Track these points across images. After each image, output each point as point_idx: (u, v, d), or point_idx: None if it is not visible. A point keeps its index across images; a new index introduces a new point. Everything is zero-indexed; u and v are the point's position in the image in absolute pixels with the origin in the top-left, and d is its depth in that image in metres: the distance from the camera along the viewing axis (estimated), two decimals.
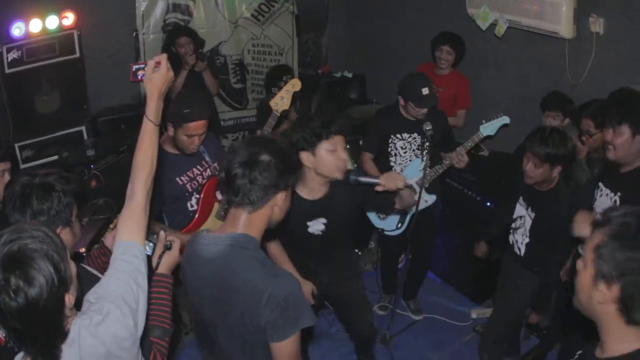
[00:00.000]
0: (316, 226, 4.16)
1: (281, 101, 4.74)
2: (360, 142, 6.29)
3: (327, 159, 3.85)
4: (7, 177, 3.73)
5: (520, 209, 4.65)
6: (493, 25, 6.19)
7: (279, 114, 4.77)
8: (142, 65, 2.84)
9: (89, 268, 3.21)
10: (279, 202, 2.77)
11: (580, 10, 5.45)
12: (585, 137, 4.72)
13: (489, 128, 5.19)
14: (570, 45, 5.66)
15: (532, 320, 4.87)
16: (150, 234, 3.11)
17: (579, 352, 2.37)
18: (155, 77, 2.78)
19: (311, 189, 4.06)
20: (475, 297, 6.29)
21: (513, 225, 4.73)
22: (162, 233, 3.06)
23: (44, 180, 2.90)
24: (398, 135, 5.39)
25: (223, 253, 2.70)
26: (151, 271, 2.89)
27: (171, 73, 2.84)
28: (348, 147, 4.03)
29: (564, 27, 5.50)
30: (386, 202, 4.18)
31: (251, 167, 2.65)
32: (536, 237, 4.53)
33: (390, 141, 5.41)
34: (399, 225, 5.64)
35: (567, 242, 4.20)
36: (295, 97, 4.97)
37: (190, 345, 5.29)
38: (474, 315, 6.10)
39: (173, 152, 4.52)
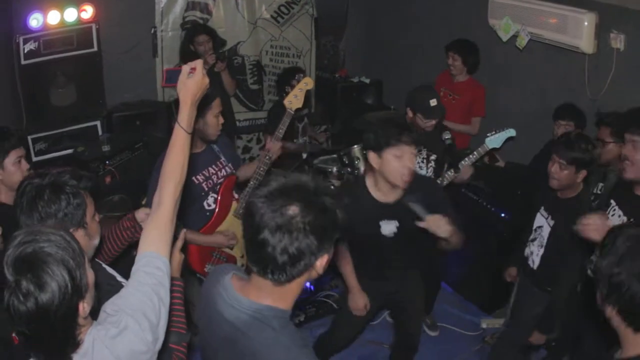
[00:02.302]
0: (389, 227, 4.16)
1: (295, 99, 4.65)
2: None
3: (392, 164, 3.86)
4: (24, 164, 3.69)
5: (540, 220, 4.60)
6: (514, 37, 6.18)
7: (293, 112, 4.68)
8: (177, 70, 2.71)
9: (109, 270, 3.12)
10: (318, 268, 2.23)
11: (601, 26, 5.43)
12: (600, 145, 4.66)
13: (494, 140, 5.14)
14: (591, 60, 5.63)
15: (533, 339, 4.68)
16: None
17: None
18: (189, 83, 2.65)
19: (383, 192, 4.08)
20: (486, 307, 6.27)
21: (531, 236, 4.69)
22: None
23: (53, 181, 2.78)
24: None
25: (242, 323, 2.25)
26: None
27: (206, 80, 2.71)
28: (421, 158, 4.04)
29: (585, 42, 5.49)
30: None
31: (283, 233, 2.08)
32: (552, 247, 4.47)
33: None
34: None
35: (582, 254, 4.17)
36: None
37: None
38: (484, 325, 6.08)
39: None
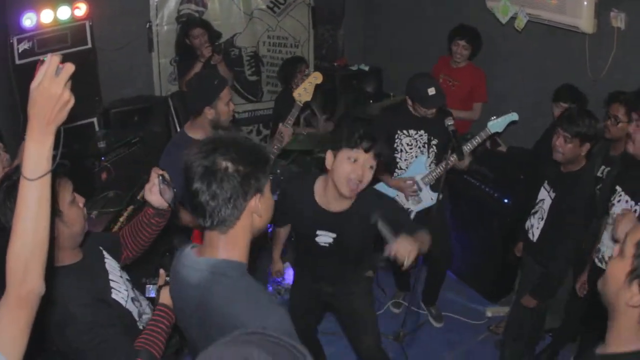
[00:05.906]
0: (324, 238, 3.98)
1: (304, 92, 4.80)
2: None
3: (343, 167, 3.61)
4: (4, 155, 3.68)
5: (542, 193, 4.60)
6: (513, 18, 6.11)
7: (302, 104, 4.84)
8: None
9: (107, 266, 3.08)
10: (255, 209, 2.34)
11: (601, 5, 5.35)
12: (611, 122, 4.60)
13: (497, 124, 5.05)
14: (591, 40, 5.55)
15: (524, 301, 4.66)
16: (152, 277, 3.09)
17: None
18: (35, 93, 1.90)
19: (327, 199, 3.85)
20: (491, 296, 6.22)
21: (533, 209, 4.69)
22: (161, 270, 3.01)
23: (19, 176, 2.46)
24: (405, 132, 5.28)
25: (204, 281, 2.35)
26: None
27: (56, 89, 1.91)
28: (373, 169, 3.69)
29: (585, 22, 5.42)
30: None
31: (208, 179, 2.22)
32: (552, 219, 4.48)
33: (396, 137, 5.29)
34: None
35: (580, 229, 4.29)
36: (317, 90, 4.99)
37: None
38: (488, 314, 6.04)
39: (200, 138, 4.35)
